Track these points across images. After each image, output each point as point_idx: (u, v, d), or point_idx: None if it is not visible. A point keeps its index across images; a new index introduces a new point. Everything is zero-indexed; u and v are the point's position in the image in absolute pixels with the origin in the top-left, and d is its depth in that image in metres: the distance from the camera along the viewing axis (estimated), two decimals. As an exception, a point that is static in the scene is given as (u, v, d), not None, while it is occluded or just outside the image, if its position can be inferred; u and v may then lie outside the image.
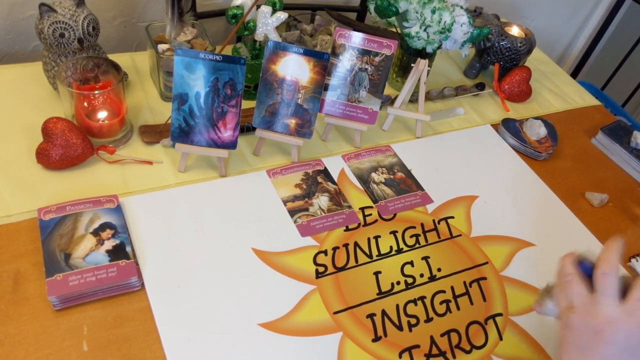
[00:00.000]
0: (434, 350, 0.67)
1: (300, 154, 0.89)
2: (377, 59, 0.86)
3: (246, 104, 0.94)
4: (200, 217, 0.76)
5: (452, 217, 0.84)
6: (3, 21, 1.00)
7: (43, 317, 0.62)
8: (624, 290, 0.52)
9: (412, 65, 0.92)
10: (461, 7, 0.94)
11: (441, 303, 0.72)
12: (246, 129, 0.89)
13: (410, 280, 0.74)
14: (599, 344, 0.50)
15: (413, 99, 1.03)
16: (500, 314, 0.73)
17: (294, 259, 0.74)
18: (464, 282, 0.76)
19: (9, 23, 1.01)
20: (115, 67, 0.82)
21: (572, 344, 0.53)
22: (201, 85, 0.76)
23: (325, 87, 0.86)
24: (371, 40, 0.85)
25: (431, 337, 0.68)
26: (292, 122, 0.84)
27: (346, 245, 0.77)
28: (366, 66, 0.86)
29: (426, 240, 0.80)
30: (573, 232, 0.87)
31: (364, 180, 0.87)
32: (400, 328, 0.69)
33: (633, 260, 0.84)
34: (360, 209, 0.83)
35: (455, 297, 0.74)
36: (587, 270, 0.55)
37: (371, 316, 0.69)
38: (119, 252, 0.67)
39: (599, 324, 0.51)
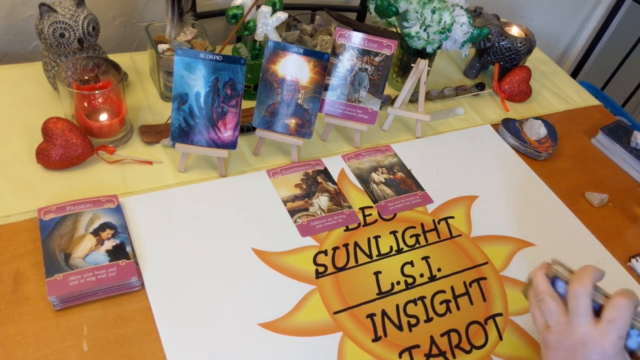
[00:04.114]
0: (434, 350, 0.67)
1: (300, 154, 0.89)
2: (377, 59, 0.86)
3: (246, 104, 0.94)
4: (200, 217, 0.76)
5: (452, 217, 0.84)
6: (3, 21, 1.00)
7: (43, 317, 0.62)
8: (598, 310, 0.52)
9: (412, 65, 0.92)
10: (461, 7, 0.94)
11: (441, 303, 0.72)
12: (246, 129, 0.89)
13: (410, 280, 0.74)
14: None
15: (413, 99, 1.03)
16: (500, 314, 0.73)
17: (294, 259, 0.74)
18: (464, 282, 0.75)
19: (9, 23, 1.01)
20: (115, 67, 0.82)
21: None
22: (201, 85, 0.76)
23: (325, 87, 0.86)
24: (371, 40, 0.85)
25: (431, 337, 0.68)
26: (292, 122, 0.84)
27: (346, 245, 0.77)
28: (366, 66, 0.86)
29: (426, 240, 0.80)
30: (573, 232, 0.87)
31: (364, 180, 0.87)
32: (400, 328, 0.69)
33: (633, 260, 0.84)
34: (360, 209, 0.83)
35: (455, 297, 0.74)
36: (561, 288, 0.55)
37: (371, 316, 0.69)
38: (119, 252, 0.67)
39: (573, 345, 0.51)
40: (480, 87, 1.12)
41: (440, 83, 1.14)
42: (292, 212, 0.79)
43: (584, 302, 0.52)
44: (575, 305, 0.52)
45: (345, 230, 0.79)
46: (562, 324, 0.53)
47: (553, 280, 0.56)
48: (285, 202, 0.81)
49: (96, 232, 0.69)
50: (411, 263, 0.76)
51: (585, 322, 0.51)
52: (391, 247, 0.78)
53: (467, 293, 0.74)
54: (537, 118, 1.03)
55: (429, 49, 0.97)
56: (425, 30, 0.92)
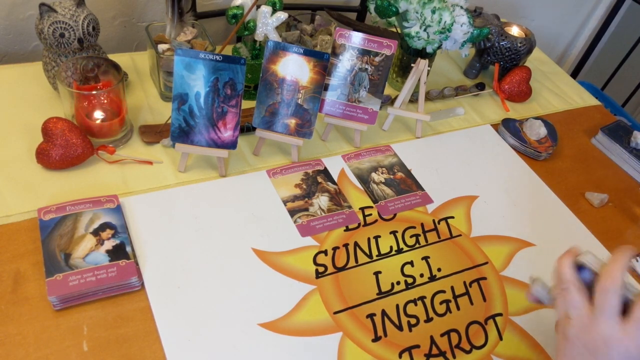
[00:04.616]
0: (434, 350, 0.67)
1: (300, 154, 0.89)
2: (377, 59, 0.86)
3: (246, 104, 0.94)
4: (200, 217, 0.76)
5: (452, 217, 0.84)
6: (3, 21, 1.00)
7: (43, 317, 0.62)
8: (626, 304, 0.49)
9: (412, 65, 0.92)
10: (461, 7, 0.94)
11: (441, 303, 0.72)
12: (246, 129, 0.89)
13: (410, 280, 0.74)
14: None
15: (413, 99, 1.03)
16: (500, 314, 0.73)
17: (294, 259, 0.74)
18: (464, 282, 0.76)
19: (9, 23, 1.01)
20: (115, 67, 0.82)
21: (567, 355, 0.52)
22: (201, 85, 0.76)
23: (325, 87, 0.86)
24: (371, 40, 0.85)
25: (431, 337, 0.68)
26: (292, 122, 0.84)
27: (346, 245, 0.77)
28: (366, 66, 0.86)
29: (426, 240, 0.80)
30: (573, 232, 0.87)
31: (364, 180, 0.87)
32: (400, 328, 0.69)
33: (633, 260, 0.84)
34: (360, 209, 0.83)
35: (455, 297, 0.74)
36: (587, 278, 0.52)
37: (371, 316, 0.69)
38: (119, 252, 0.67)
39: (595, 342, 0.49)
40: (480, 87, 1.12)
41: (440, 83, 1.14)
42: (292, 212, 0.79)
43: (613, 300, 0.49)
44: (602, 302, 0.49)
45: (345, 230, 0.79)
46: (584, 318, 0.50)
47: (579, 268, 0.53)
48: (285, 202, 0.81)
49: (96, 232, 0.69)
50: (411, 263, 0.76)
51: (611, 321, 0.49)
52: (391, 247, 0.78)
53: (467, 293, 0.74)
54: (537, 118, 1.03)
55: (429, 49, 0.97)
56: (425, 30, 0.92)
